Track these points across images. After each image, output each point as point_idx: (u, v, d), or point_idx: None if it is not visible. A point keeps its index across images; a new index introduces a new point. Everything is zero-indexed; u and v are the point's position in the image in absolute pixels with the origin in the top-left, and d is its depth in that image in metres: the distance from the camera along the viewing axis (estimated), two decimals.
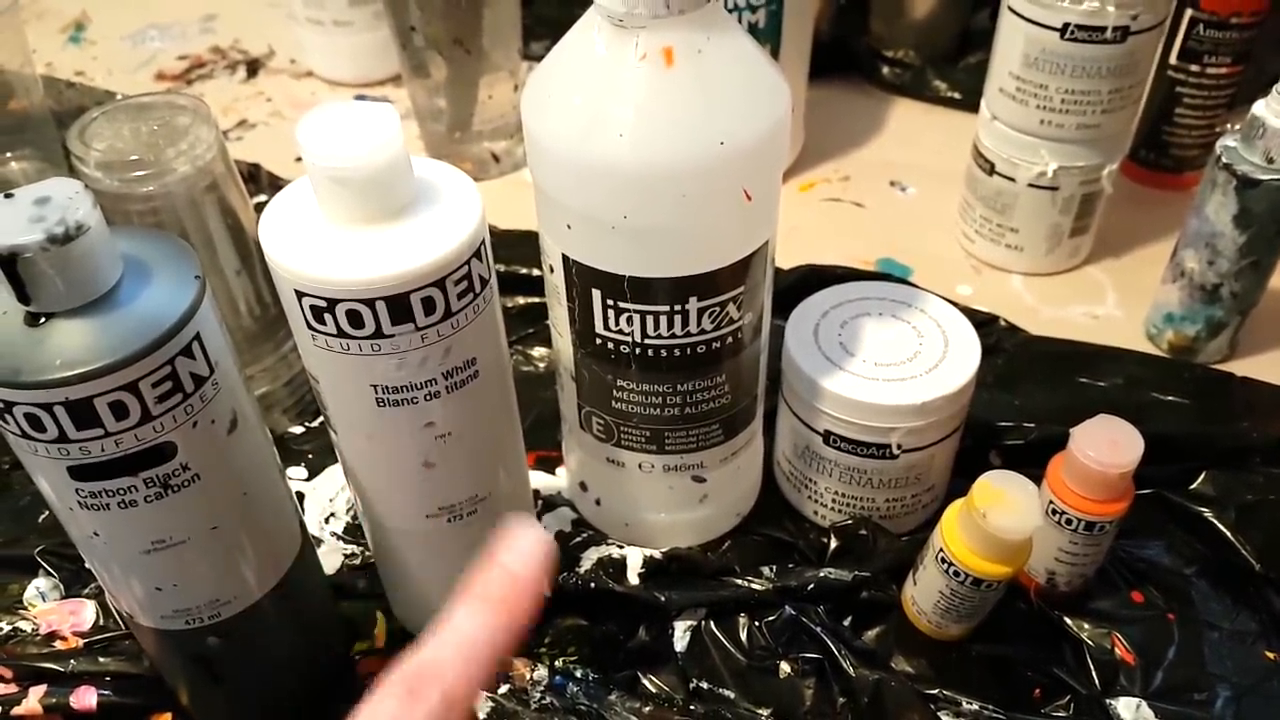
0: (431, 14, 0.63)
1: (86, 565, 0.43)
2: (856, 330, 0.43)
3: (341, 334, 0.30)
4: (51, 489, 0.29)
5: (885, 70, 0.77)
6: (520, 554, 0.24)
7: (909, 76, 0.77)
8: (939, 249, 0.62)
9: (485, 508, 0.37)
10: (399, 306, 0.29)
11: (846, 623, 0.41)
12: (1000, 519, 0.35)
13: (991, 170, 0.57)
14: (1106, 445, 0.37)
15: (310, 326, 0.30)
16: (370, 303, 0.29)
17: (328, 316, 0.29)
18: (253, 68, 0.85)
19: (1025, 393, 0.50)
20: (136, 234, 0.29)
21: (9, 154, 0.66)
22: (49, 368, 0.26)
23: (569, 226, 0.34)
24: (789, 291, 0.52)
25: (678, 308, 0.36)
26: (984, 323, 0.55)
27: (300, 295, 0.29)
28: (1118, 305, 0.58)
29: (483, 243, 0.31)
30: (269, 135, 0.76)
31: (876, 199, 0.68)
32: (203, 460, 0.29)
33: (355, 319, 0.29)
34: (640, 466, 0.42)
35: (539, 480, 0.48)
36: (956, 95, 0.75)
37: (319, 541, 0.46)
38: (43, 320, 0.26)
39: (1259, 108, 0.47)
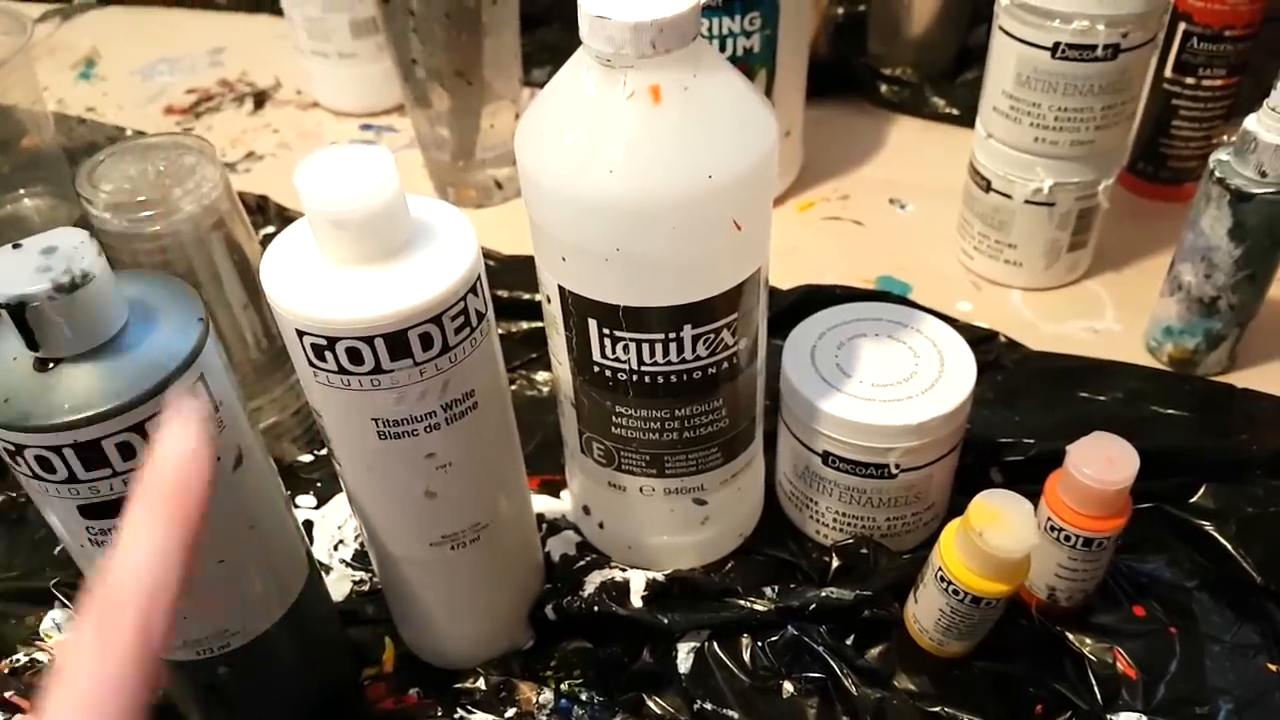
0: (433, 46, 0.64)
1: None
2: (853, 351, 0.43)
3: (342, 370, 0.31)
4: (63, 526, 0.30)
5: (884, 88, 0.78)
6: (173, 444, 0.23)
7: (907, 94, 0.77)
8: (939, 265, 0.63)
9: (487, 534, 0.38)
10: (397, 343, 0.30)
11: (849, 641, 0.42)
12: (996, 538, 0.36)
13: (988, 187, 0.58)
14: (1102, 462, 0.38)
15: (311, 364, 0.31)
16: (369, 340, 0.30)
17: (328, 354, 0.30)
18: (260, 100, 0.87)
19: (1025, 409, 0.51)
20: (141, 278, 0.30)
21: (22, 190, 0.68)
22: (58, 411, 0.27)
23: (564, 259, 0.35)
24: (788, 312, 0.52)
25: (673, 335, 0.36)
26: (983, 339, 0.55)
27: (301, 334, 0.30)
28: (1117, 319, 0.58)
29: (478, 278, 0.32)
30: (276, 166, 0.78)
31: (876, 217, 0.68)
32: (209, 498, 0.30)
33: (355, 356, 0.30)
34: (641, 490, 0.42)
35: (544, 504, 0.49)
36: (955, 111, 0.75)
37: (328, 568, 0.46)
38: (51, 365, 0.27)
39: (1250, 122, 0.47)
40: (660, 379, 0.37)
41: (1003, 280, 0.61)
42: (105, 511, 0.29)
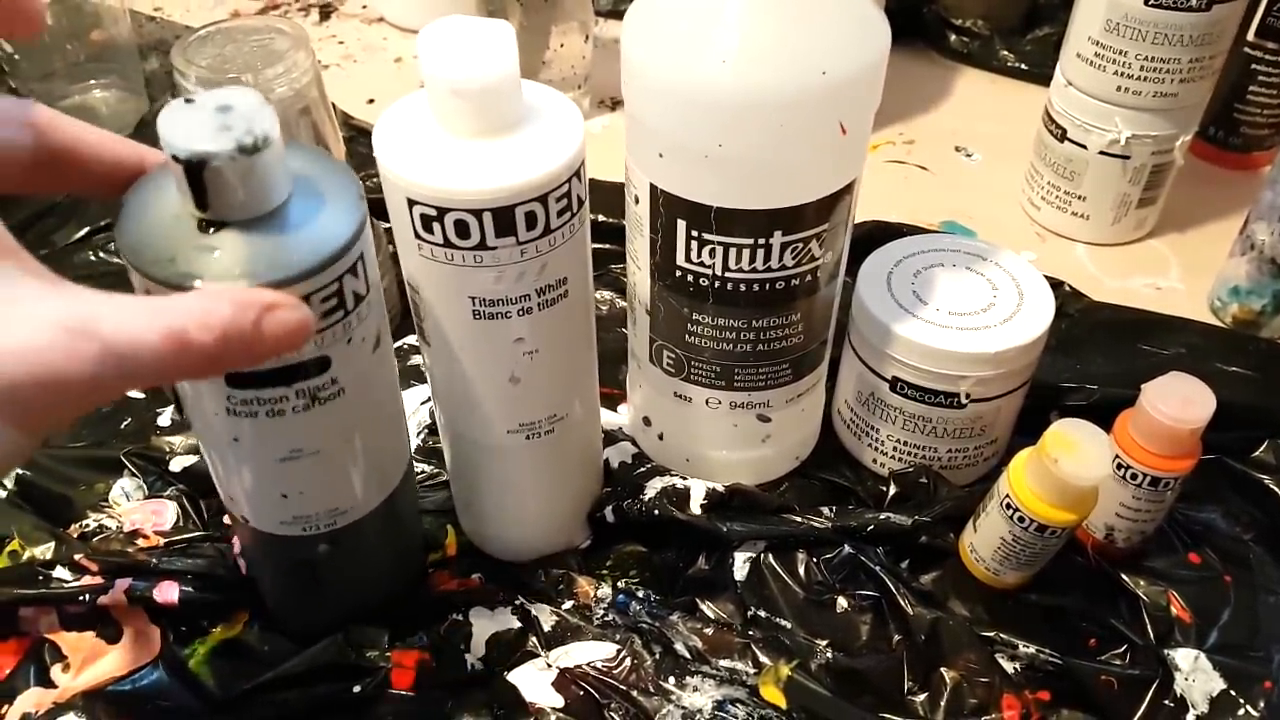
0: None
1: (176, 468, 0.46)
2: (930, 280, 0.44)
3: (447, 244, 0.31)
4: (199, 394, 0.30)
5: (953, 38, 0.77)
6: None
7: (976, 46, 0.76)
8: (1004, 215, 0.63)
9: (561, 428, 0.38)
10: (504, 219, 0.30)
11: (904, 565, 0.42)
12: (1071, 465, 0.36)
13: (1063, 136, 0.57)
14: (1179, 401, 0.38)
15: (418, 235, 0.31)
16: (478, 214, 0.30)
17: (436, 226, 0.30)
18: (325, 12, 0.86)
19: (1087, 357, 0.51)
20: (303, 151, 0.29)
21: (93, 81, 0.68)
22: (226, 277, 0.26)
23: (660, 155, 0.35)
24: (855, 245, 0.52)
25: (761, 241, 0.36)
26: (1049, 286, 0.55)
27: (412, 204, 0.30)
28: (1181, 279, 0.58)
29: (582, 164, 0.32)
30: (342, 77, 0.78)
31: (941, 164, 0.68)
32: (350, 375, 0.30)
33: (462, 229, 0.30)
34: (707, 402, 0.43)
35: (602, 416, 0.49)
36: (1024, 66, 0.74)
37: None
38: (214, 229, 0.26)
39: None
40: (742, 287, 0.38)
41: (1068, 233, 0.60)
42: (253, 382, 0.29)
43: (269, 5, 0.87)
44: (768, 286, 0.38)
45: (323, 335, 0.29)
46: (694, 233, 0.36)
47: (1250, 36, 0.61)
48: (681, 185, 0.35)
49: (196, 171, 0.25)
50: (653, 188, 0.36)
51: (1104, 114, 0.55)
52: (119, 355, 0.21)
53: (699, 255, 0.37)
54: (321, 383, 0.30)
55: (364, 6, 0.86)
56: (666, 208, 0.36)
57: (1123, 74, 0.53)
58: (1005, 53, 0.75)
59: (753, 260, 0.37)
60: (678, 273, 0.38)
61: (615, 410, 0.50)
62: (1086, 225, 0.59)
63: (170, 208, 0.26)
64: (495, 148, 0.30)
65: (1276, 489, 0.44)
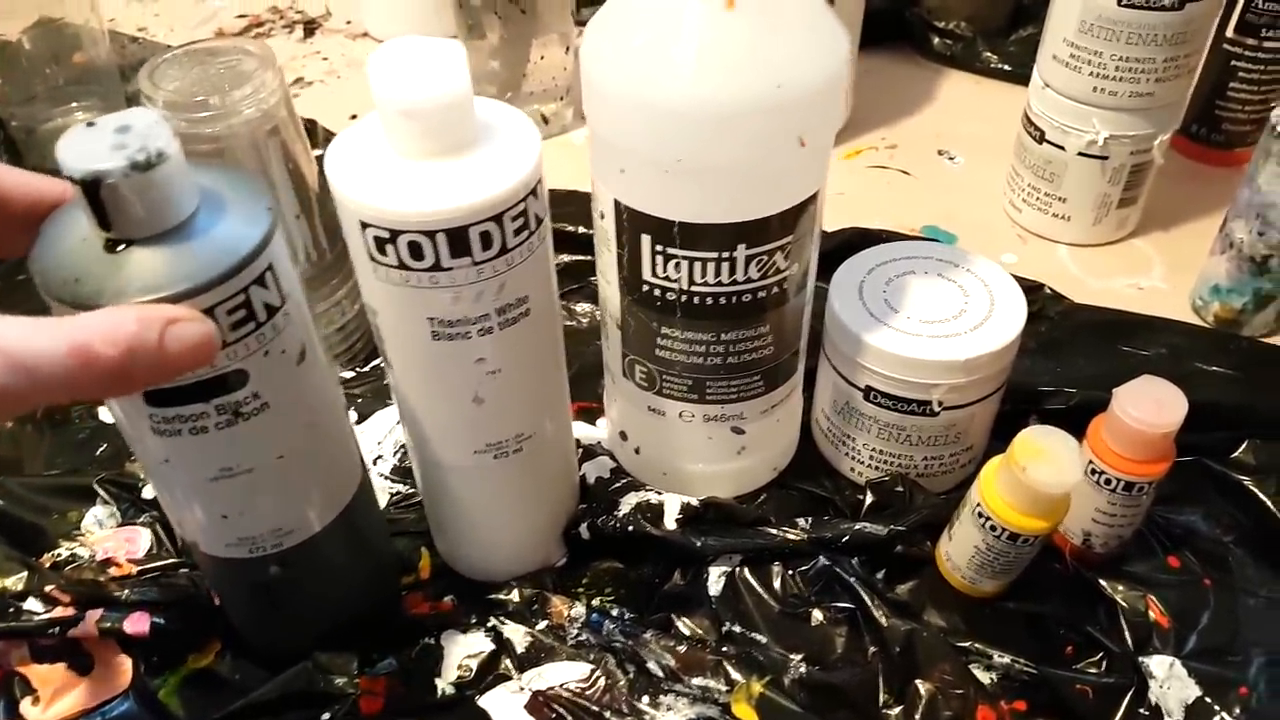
0: None
1: (149, 495, 0.46)
2: (901, 288, 0.43)
3: (402, 266, 0.31)
4: (125, 415, 0.30)
5: (936, 41, 0.77)
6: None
7: (960, 48, 0.76)
8: (985, 218, 0.62)
9: (530, 446, 0.38)
10: (458, 240, 0.30)
11: (880, 576, 0.42)
12: (1040, 473, 0.36)
13: (1041, 138, 0.57)
14: (1150, 405, 0.37)
15: (373, 258, 0.31)
16: (431, 235, 0.30)
17: (389, 248, 0.30)
18: (310, 28, 0.87)
19: (1067, 360, 0.51)
20: (210, 168, 0.30)
21: (75, 104, 0.68)
22: (128, 293, 0.26)
23: (622, 170, 0.35)
24: (834, 253, 0.52)
25: (726, 255, 0.36)
26: (1029, 289, 0.54)
27: (364, 226, 0.30)
28: (1163, 278, 0.57)
29: (539, 181, 0.32)
30: (325, 93, 0.78)
31: (924, 168, 0.68)
32: (273, 389, 0.30)
33: (416, 251, 0.30)
34: (681, 415, 0.43)
35: (579, 430, 0.49)
36: (1007, 68, 0.74)
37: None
38: (121, 247, 0.27)
39: None
40: (710, 300, 0.38)
41: (1050, 234, 0.60)
42: (170, 399, 0.29)
43: (253, 23, 0.87)
44: (735, 300, 0.38)
45: (235, 348, 0.29)
46: (659, 247, 0.36)
47: (1230, 33, 0.61)
48: (644, 200, 0.35)
49: (93, 190, 0.26)
50: (616, 203, 0.36)
51: (1081, 115, 0.55)
52: (26, 368, 0.22)
53: (665, 270, 0.37)
54: (242, 397, 0.30)
55: (348, 22, 0.86)
56: (630, 223, 0.36)
57: (1098, 75, 0.53)
58: (989, 54, 0.75)
59: (718, 274, 0.37)
60: (644, 287, 0.38)
61: (595, 424, 0.50)
62: (1068, 226, 0.59)
63: (80, 231, 0.27)
64: (448, 168, 0.30)
65: (1257, 490, 0.44)
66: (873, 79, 0.75)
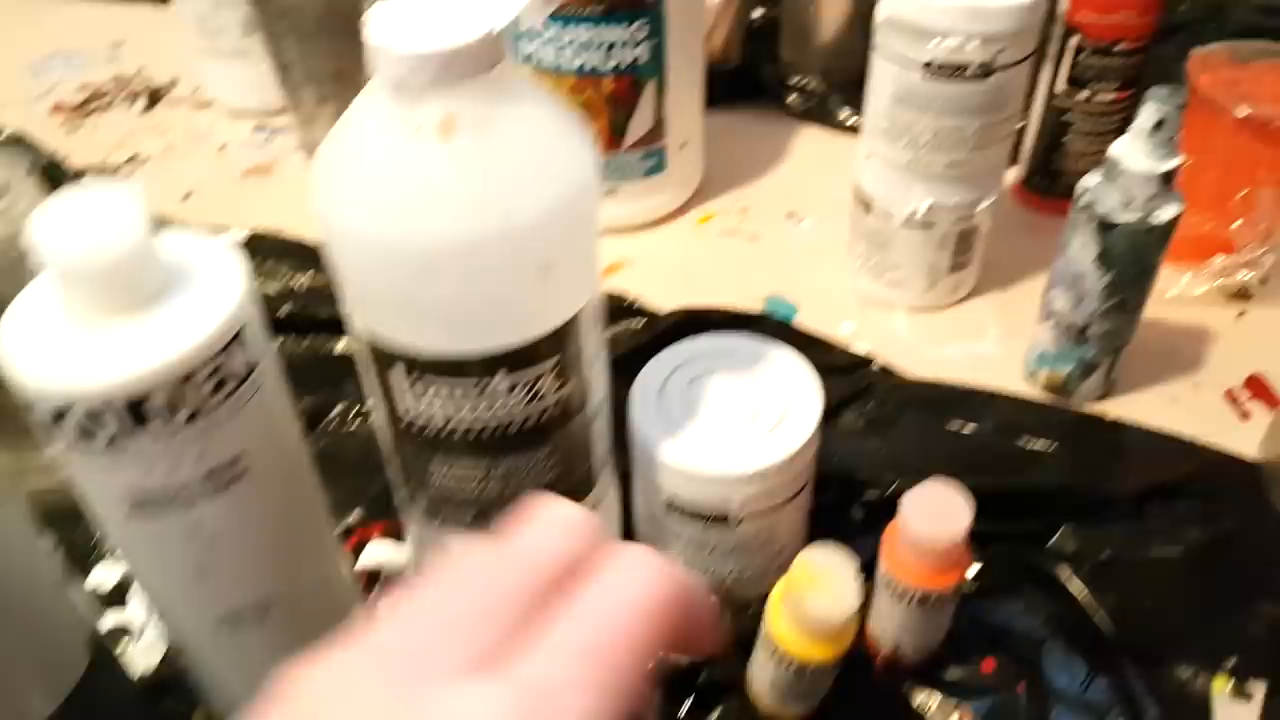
0: (313, 46, 0.61)
1: None
2: (700, 390, 0.41)
3: (85, 436, 0.28)
4: None
5: (792, 98, 0.76)
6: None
7: (815, 104, 0.75)
8: (828, 284, 0.61)
9: (281, 609, 0.35)
10: (137, 411, 0.28)
11: (687, 704, 0.40)
12: (817, 602, 0.34)
13: (869, 207, 0.56)
14: (932, 517, 0.36)
15: (52, 430, 0.28)
16: (107, 407, 0.27)
17: (65, 422, 0.28)
18: (154, 98, 0.84)
19: (895, 439, 0.49)
20: None
21: None
22: None
23: (362, 302, 0.33)
24: (664, 338, 0.50)
25: (484, 383, 0.34)
26: (857, 365, 0.53)
27: (37, 398, 0.28)
28: (998, 342, 0.56)
29: (240, 330, 0.29)
30: (157, 171, 0.75)
31: (772, 232, 0.66)
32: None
33: (93, 422, 0.28)
34: None
35: (382, 554, 0.46)
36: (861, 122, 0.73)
37: (141, 635, 0.43)
38: None
39: (1117, 148, 0.45)
40: (475, 430, 0.35)
41: (887, 301, 0.59)
42: None
43: (94, 94, 0.84)
44: (503, 429, 0.35)
45: None
46: (412, 377, 0.34)
47: (1060, 87, 0.61)
48: (389, 331, 0.33)
49: None
50: (364, 333, 0.34)
51: (903, 185, 0.54)
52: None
53: (421, 402, 0.35)
54: None
55: (194, 91, 0.83)
56: (378, 354, 0.34)
57: (914, 145, 0.52)
58: (843, 110, 0.74)
59: (479, 404, 0.34)
60: (404, 421, 0.36)
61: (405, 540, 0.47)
62: (903, 293, 0.58)
63: None
64: (125, 330, 0.28)
65: (1070, 579, 0.43)
66: (728, 139, 0.73)
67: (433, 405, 0.34)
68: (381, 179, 0.30)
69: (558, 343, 0.34)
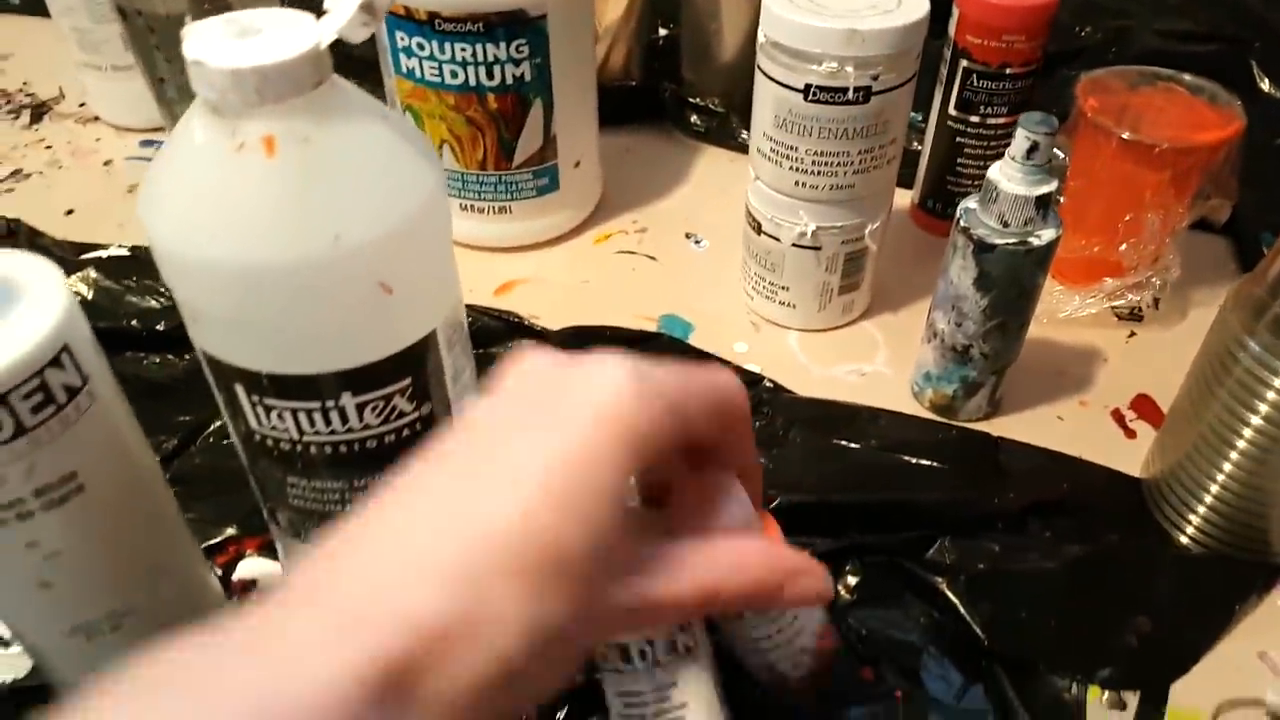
0: (180, 64, 0.59)
1: None
2: None
3: None
4: None
5: (693, 118, 0.77)
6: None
7: (715, 124, 0.76)
8: (724, 304, 0.61)
9: (134, 622, 0.34)
10: None
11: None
12: None
13: (759, 229, 0.56)
14: None
15: None
16: None
17: None
18: (39, 112, 0.81)
19: (783, 456, 0.49)
20: None
21: None
22: None
23: (194, 322, 0.32)
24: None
25: (331, 403, 0.33)
26: (750, 383, 0.54)
27: None
28: (888, 363, 0.57)
29: (64, 349, 0.28)
30: (40, 187, 0.72)
31: (670, 252, 0.66)
32: None
33: None
34: None
35: (256, 568, 0.45)
36: None
37: (7, 644, 0.41)
38: None
39: (993, 171, 0.46)
40: (329, 449, 0.34)
41: (779, 321, 0.59)
42: None
43: None
44: (358, 447, 0.34)
45: None
46: (254, 397, 0.33)
47: (951, 110, 0.62)
48: (225, 350, 0.32)
49: None
50: (203, 352, 0.33)
51: (789, 207, 0.54)
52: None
53: (269, 420, 0.34)
54: None
55: (81, 105, 0.81)
56: (219, 373, 0.33)
57: (798, 169, 0.52)
58: (743, 130, 0.75)
59: (329, 423, 0.33)
60: (256, 436, 0.35)
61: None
62: (794, 314, 0.58)
63: None
64: None
65: (947, 591, 0.43)
66: (628, 158, 0.74)
67: (284, 420, 0.33)
68: (203, 199, 0.29)
69: (409, 362, 0.33)
